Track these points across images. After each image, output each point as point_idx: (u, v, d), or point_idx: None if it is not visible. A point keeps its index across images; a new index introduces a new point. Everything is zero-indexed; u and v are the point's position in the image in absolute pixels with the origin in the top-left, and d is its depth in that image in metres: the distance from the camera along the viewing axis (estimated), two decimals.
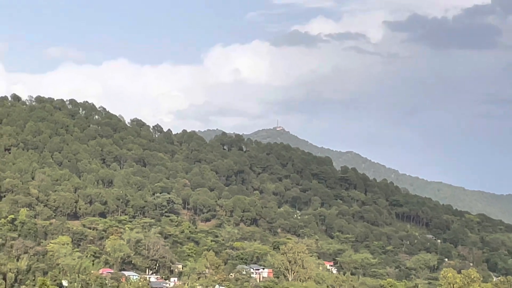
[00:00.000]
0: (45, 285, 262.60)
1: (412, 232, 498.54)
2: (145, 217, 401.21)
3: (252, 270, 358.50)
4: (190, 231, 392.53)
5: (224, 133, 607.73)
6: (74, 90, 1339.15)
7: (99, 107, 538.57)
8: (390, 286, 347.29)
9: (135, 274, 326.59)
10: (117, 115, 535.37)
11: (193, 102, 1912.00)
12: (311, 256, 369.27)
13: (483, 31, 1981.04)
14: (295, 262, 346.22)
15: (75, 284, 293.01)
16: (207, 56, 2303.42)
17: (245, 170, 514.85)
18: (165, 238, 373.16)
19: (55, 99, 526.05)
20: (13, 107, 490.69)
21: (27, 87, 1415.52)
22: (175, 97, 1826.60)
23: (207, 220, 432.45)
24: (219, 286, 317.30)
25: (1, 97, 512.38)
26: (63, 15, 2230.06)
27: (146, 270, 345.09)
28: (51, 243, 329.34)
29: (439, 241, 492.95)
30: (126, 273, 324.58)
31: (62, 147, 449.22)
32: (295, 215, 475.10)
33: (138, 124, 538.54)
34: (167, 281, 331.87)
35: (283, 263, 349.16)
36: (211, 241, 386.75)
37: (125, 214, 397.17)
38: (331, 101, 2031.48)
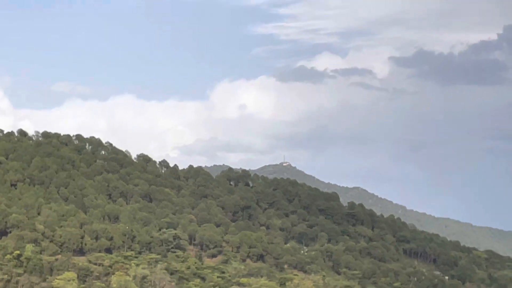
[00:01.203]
0: None
1: (419, 268, 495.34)
2: (151, 253, 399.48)
3: None
4: (196, 267, 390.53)
5: (230, 169, 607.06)
6: (80, 125, 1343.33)
7: (105, 143, 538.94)
8: None
9: None
10: (124, 151, 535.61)
11: (199, 138, 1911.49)
12: None
13: (489, 67, 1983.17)
14: None
15: None
16: (213, 91, 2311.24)
17: (252, 205, 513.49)
18: (171, 274, 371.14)
19: (62, 135, 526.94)
20: (20, 143, 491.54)
21: (34, 122, 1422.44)
22: (181, 133, 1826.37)
23: (214, 256, 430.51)
24: None
25: (8, 132, 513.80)
26: (69, 51, 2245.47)
27: None
28: (56, 279, 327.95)
29: (446, 277, 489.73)
30: None
31: (68, 183, 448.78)
32: (302, 251, 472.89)
33: (145, 159, 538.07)
34: None
35: None
36: (218, 277, 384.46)
37: (131, 250, 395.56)
38: (338, 137, 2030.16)
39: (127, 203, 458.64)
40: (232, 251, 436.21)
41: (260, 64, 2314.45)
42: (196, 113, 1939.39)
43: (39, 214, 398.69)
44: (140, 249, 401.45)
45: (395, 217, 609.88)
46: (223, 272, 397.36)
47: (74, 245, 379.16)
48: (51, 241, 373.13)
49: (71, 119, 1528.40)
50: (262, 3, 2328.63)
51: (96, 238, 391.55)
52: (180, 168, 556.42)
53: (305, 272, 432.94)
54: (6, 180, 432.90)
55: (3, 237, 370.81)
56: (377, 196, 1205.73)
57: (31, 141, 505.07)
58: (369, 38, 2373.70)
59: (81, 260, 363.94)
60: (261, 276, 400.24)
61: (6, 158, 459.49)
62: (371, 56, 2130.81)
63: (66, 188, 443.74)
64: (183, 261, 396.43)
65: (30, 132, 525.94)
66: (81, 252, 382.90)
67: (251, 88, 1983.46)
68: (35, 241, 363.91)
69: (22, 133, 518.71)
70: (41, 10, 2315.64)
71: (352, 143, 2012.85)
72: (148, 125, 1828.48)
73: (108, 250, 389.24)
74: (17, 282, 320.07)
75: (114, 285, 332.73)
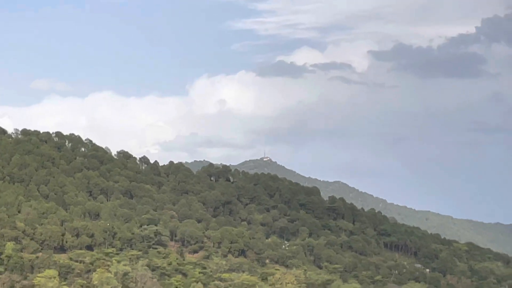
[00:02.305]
0: None
1: (400, 261, 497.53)
2: (133, 249, 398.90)
3: None
4: (177, 263, 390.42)
5: (211, 164, 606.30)
6: (60, 123, 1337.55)
7: (85, 140, 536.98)
8: None
9: None
10: (104, 147, 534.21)
11: (179, 134, 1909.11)
12: (299, 286, 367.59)
13: (468, 60, 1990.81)
14: None
15: None
16: (192, 87, 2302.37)
17: (233, 201, 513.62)
18: (153, 270, 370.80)
19: (41, 132, 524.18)
20: None
21: (13, 120, 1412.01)
22: (161, 129, 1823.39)
23: (195, 251, 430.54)
24: None
25: None
26: (48, 48, 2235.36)
27: None
28: (38, 276, 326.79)
29: (427, 270, 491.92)
30: None
31: (48, 180, 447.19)
32: (283, 246, 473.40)
33: (125, 156, 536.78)
34: None
35: None
36: (199, 272, 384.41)
37: (112, 247, 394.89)
38: (318, 131, 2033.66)
39: (107, 200, 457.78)
40: (213, 246, 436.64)
41: (240, 59, 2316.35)
42: (176, 109, 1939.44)
43: (19, 212, 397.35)
44: (121, 246, 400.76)
45: (376, 211, 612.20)
46: (205, 268, 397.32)
47: (55, 242, 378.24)
48: (31, 239, 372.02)
49: (51, 116, 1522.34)
50: None
51: (77, 235, 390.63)
52: (161, 164, 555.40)
53: (286, 266, 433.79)
54: None
55: None
56: (357, 190, 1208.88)
57: (10, 139, 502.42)
58: (348, 33, 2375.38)
59: (62, 258, 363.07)
60: (243, 271, 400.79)
61: None
62: (350, 50, 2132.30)
63: (46, 185, 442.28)
64: (164, 257, 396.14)
65: (9, 129, 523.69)
66: (62, 249, 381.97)
67: (231, 84, 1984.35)
68: (15, 239, 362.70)
69: (1, 130, 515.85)
70: (19, 9, 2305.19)
71: (332, 137, 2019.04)
72: (128, 121, 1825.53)
73: (89, 247, 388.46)
74: None
75: (96, 282, 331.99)
